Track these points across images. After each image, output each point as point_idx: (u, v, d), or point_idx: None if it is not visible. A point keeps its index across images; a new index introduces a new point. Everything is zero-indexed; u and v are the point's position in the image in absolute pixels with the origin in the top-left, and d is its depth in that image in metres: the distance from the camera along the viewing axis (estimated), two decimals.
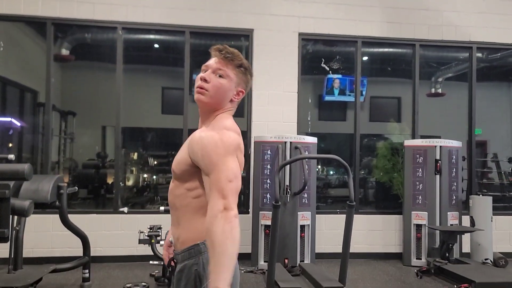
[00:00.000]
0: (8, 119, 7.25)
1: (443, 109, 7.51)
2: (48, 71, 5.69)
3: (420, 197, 5.62)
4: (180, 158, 1.47)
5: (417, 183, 5.64)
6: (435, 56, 6.86)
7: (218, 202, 1.27)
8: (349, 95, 6.69)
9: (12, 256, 3.78)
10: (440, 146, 5.61)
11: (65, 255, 5.11)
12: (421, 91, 6.59)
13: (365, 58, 6.74)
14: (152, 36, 6.22)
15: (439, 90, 7.40)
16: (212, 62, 1.51)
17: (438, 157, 5.58)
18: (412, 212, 5.63)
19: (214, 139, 1.37)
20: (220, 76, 1.48)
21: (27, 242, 4.44)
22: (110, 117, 5.83)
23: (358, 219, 5.84)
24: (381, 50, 6.85)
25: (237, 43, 6.37)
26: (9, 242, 3.63)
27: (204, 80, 1.48)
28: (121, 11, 5.60)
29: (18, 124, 7.25)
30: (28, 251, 4.93)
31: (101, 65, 7.07)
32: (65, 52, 6.23)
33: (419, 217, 5.58)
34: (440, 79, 7.38)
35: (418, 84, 6.40)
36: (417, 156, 5.66)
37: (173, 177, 1.52)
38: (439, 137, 6.22)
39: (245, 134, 6.01)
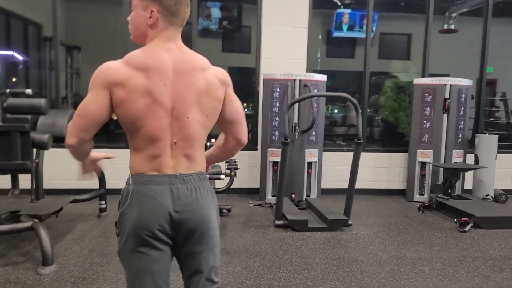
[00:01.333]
0: (10, 52, 7.18)
1: (454, 46, 7.36)
2: (54, 4, 5.55)
3: (426, 136, 5.70)
4: None
5: (424, 121, 5.69)
6: None
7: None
8: (359, 31, 6.54)
9: (33, 187, 3.94)
10: (450, 85, 5.58)
11: (80, 187, 5.31)
12: (433, 27, 6.41)
13: None
14: None
15: (452, 26, 7.21)
16: None
17: (447, 96, 5.58)
18: (418, 150, 5.73)
19: (97, 70, 1.40)
20: (131, 10, 1.50)
21: (44, 175, 4.60)
22: (117, 53, 5.75)
23: (364, 156, 5.96)
24: None
25: None
26: (30, 174, 3.78)
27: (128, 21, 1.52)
28: None
29: (20, 58, 7.18)
30: (45, 183, 5.11)
31: None
32: None
33: (424, 155, 5.70)
34: (454, 15, 7.16)
35: (432, 19, 6.21)
36: (426, 94, 5.66)
37: None
38: (447, 75, 6.17)
39: (254, 71, 5.98)
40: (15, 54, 7.13)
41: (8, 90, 3.17)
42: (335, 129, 7.94)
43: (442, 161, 5.66)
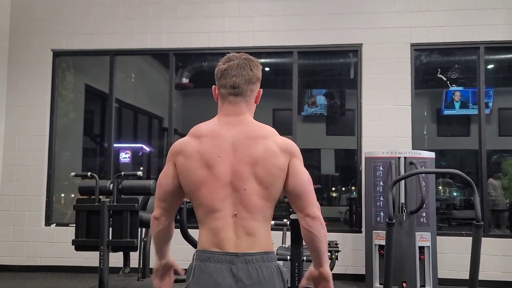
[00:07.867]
0: (140, 145, 8.17)
1: None
2: (171, 98, 6.24)
3: None
4: None
5: None
6: None
7: None
8: (472, 108, 6.14)
9: (141, 266, 4.15)
10: None
11: (184, 266, 5.45)
12: None
13: (490, 66, 6.14)
14: (262, 60, 6.48)
15: None
16: None
17: None
18: None
19: None
20: None
21: (151, 254, 4.86)
22: None
23: (489, 242, 5.22)
24: (509, 56, 6.20)
25: (345, 60, 6.31)
26: (138, 252, 4.02)
27: None
28: (233, 37, 5.94)
29: (147, 149, 8.10)
30: (152, 262, 5.38)
31: None
32: (185, 80, 6.80)
33: None
34: None
35: None
36: None
37: None
38: None
39: (355, 151, 5.86)
40: (144, 146, 8.11)
41: (123, 173, 3.52)
42: (453, 212, 7.22)
43: None
